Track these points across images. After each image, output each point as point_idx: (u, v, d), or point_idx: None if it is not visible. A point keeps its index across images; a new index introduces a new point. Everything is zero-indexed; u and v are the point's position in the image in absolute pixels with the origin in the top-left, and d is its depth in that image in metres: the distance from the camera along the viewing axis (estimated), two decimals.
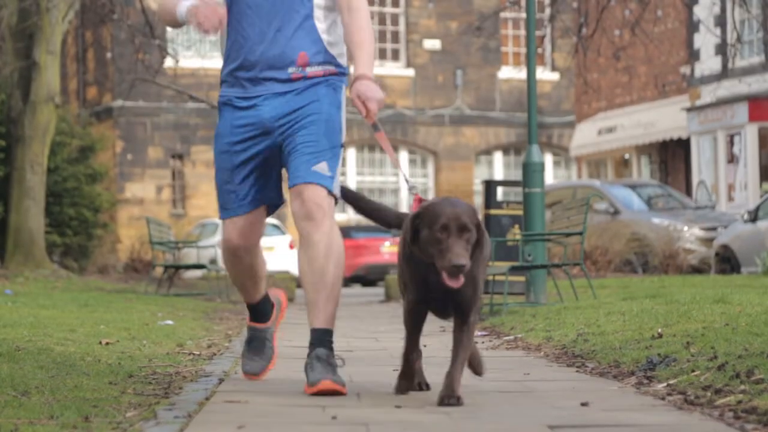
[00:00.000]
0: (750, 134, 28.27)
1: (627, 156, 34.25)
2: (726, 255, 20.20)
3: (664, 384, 5.15)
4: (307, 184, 5.07)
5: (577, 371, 6.06)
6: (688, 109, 30.20)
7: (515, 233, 13.23)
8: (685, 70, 31.29)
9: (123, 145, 35.24)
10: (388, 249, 30.92)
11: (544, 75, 38.36)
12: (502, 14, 35.19)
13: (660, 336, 6.74)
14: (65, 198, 23.65)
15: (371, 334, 9.55)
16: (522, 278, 12.47)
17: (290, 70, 5.16)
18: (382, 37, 37.84)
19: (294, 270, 24.82)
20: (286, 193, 5.31)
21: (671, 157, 32.57)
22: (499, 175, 38.85)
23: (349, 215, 37.63)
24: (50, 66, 20.09)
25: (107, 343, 7.25)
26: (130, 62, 23.89)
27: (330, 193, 5.11)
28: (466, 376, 4.79)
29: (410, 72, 38.25)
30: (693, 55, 30.64)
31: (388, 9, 38.10)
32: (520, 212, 12.72)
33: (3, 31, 19.99)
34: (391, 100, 37.74)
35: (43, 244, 20.32)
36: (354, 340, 8.57)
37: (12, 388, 4.85)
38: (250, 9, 5.17)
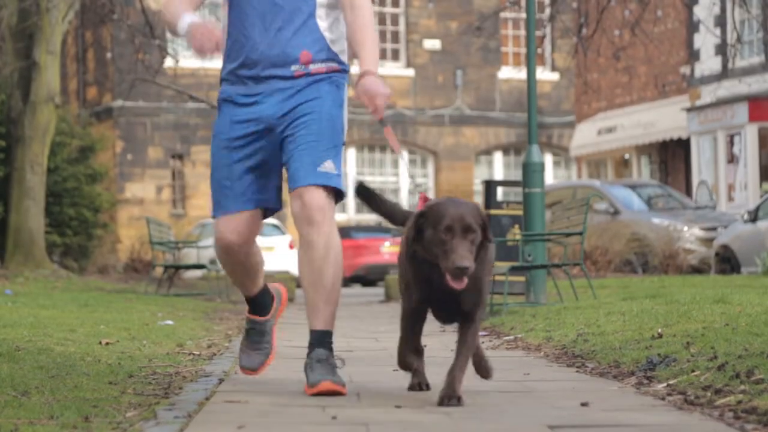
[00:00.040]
0: (750, 134, 28.27)
1: (627, 156, 34.25)
2: (726, 255, 20.20)
3: (664, 384, 5.15)
4: (308, 187, 5.04)
5: (577, 371, 6.06)
6: (688, 109, 30.20)
7: (515, 233, 13.23)
8: (685, 70, 31.30)
9: (123, 145, 35.24)
10: (388, 249, 30.91)
11: (544, 75, 38.36)
12: (502, 14, 35.19)
13: (660, 336, 6.74)
14: (65, 198, 23.65)
15: (371, 334, 9.55)
16: (522, 278, 12.47)
17: (293, 67, 5.14)
18: (382, 37, 37.84)
19: (294, 270, 24.82)
20: (285, 195, 5.29)
21: (671, 157, 32.57)
22: (499, 175, 38.85)
23: (349, 215, 37.65)
24: (50, 66, 20.09)
25: (107, 343, 7.25)
26: (130, 62, 23.88)
27: (337, 191, 5.09)
28: (467, 376, 4.78)
29: (410, 72, 38.26)
30: (693, 55, 30.64)
31: (388, 9, 38.10)
32: (520, 212, 12.72)
33: (3, 31, 19.99)
34: (391, 100, 37.59)
35: (43, 244, 20.32)
36: (354, 340, 8.57)
37: (12, 388, 4.85)
38: (252, 7, 5.15)
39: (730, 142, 28.93)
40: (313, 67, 5.15)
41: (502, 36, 39.26)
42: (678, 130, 31.05)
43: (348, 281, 29.81)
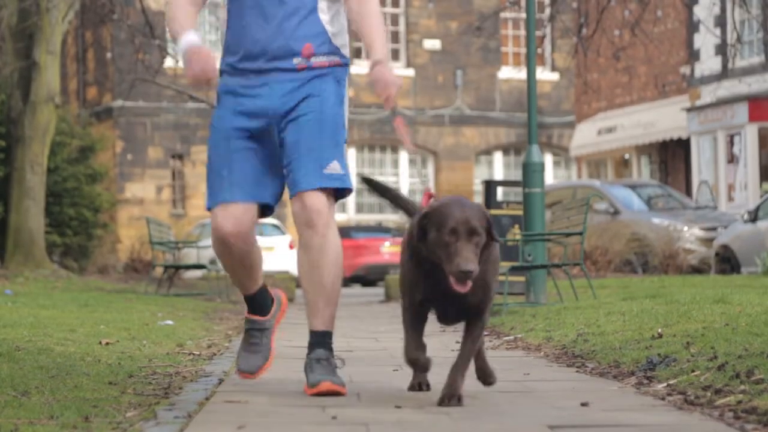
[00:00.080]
0: (750, 134, 28.27)
1: (627, 156, 34.26)
2: (726, 255, 20.20)
3: (664, 384, 5.15)
4: (308, 191, 5.02)
5: (577, 371, 6.06)
6: (688, 109, 30.21)
7: (515, 233, 13.23)
8: (685, 70, 31.30)
9: (123, 145, 35.25)
10: (388, 249, 30.91)
11: (544, 75, 38.37)
12: (502, 14, 35.19)
13: (660, 336, 6.74)
14: (65, 198, 23.65)
15: (371, 334, 9.54)
16: (522, 278, 12.47)
17: (295, 60, 5.09)
18: None
19: (294, 270, 24.81)
20: (285, 195, 5.26)
21: (671, 157, 32.58)
22: (499, 175, 38.86)
23: (349, 215, 37.66)
24: (50, 66, 20.09)
25: (107, 343, 7.25)
26: (130, 62, 23.88)
27: (339, 190, 5.07)
28: (468, 374, 4.77)
29: (410, 72, 38.26)
30: (693, 55, 30.64)
31: (388, 9, 38.10)
32: (520, 212, 12.73)
33: (3, 31, 19.99)
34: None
35: (43, 244, 20.32)
36: (354, 340, 8.57)
37: (12, 388, 4.85)
38: (253, 0, 5.11)
39: (730, 142, 28.94)
40: (315, 61, 5.10)
41: (502, 36, 39.27)
42: (678, 130, 31.05)
43: (348, 281, 29.81)
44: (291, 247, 29.10)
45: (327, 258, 5.05)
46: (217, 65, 5.13)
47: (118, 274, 23.30)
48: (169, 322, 9.89)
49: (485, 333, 8.97)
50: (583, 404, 4.58)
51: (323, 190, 5.04)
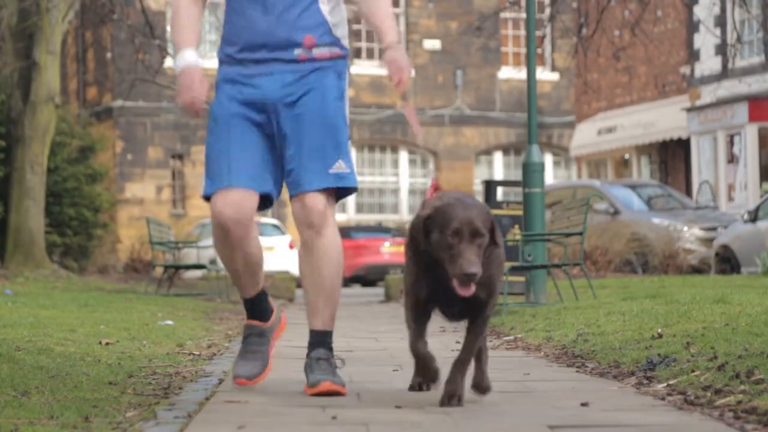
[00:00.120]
0: (750, 134, 28.27)
1: (627, 156, 34.26)
2: (726, 255, 20.20)
3: (664, 384, 5.15)
4: (308, 193, 4.99)
5: (577, 371, 6.06)
6: (688, 109, 30.21)
7: (515, 233, 13.23)
8: (685, 70, 31.30)
9: (123, 145, 35.26)
10: (388, 249, 30.91)
11: (544, 75, 38.38)
12: (502, 14, 35.20)
13: (660, 336, 6.74)
14: (65, 198, 23.66)
15: (371, 334, 9.54)
16: (522, 278, 12.47)
17: (296, 51, 5.05)
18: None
19: (294, 270, 24.82)
20: (285, 195, 5.23)
21: (671, 157, 32.58)
22: (499, 175, 38.87)
23: (349, 215, 37.66)
24: (50, 66, 20.10)
25: (107, 343, 7.25)
26: (130, 62, 23.89)
27: (350, 188, 5.05)
28: (468, 374, 4.77)
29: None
30: (693, 55, 30.64)
31: None
32: (520, 212, 12.73)
33: (3, 31, 20.00)
34: (392, 100, 37.73)
35: (43, 244, 20.33)
36: (354, 340, 8.57)
37: (12, 388, 4.85)
38: None
39: (730, 142, 28.94)
40: (316, 52, 5.06)
41: (502, 36, 39.27)
42: (678, 130, 31.06)
43: (348, 281, 29.82)
44: (291, 247, 29.10)
45: (327, 258, 5.04)
46: (205, 94, 5.09)
47: (118, 274, 23.30)
48: (169, 322, 9.89)
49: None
50: (583, 404, 4.58)
51: (324, 189, 5.02)
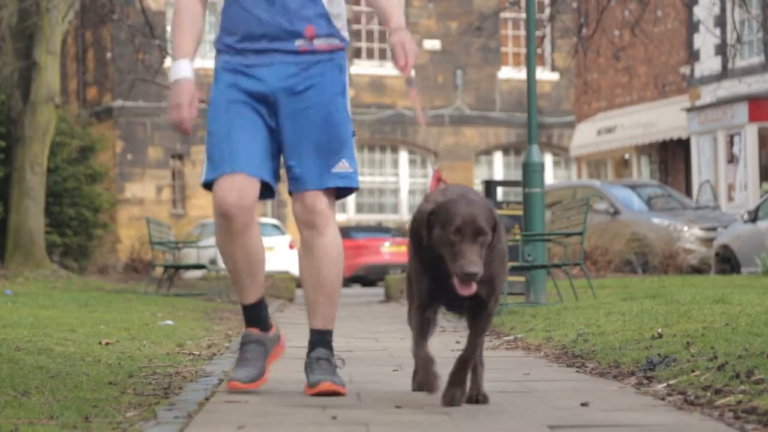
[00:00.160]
0: (750, 134, 28.28)
1: (627, 156, 34.26)
2: (726, 255, 20.21)
3: (664, 384, 5.15)
4: (310, 191, 4.98)
5: (577, 371, 6.06)
6: (688, 109, 30.21)
7: (515, 233, 13.23)
8: (685, 70, 31.30)
9: (123, 145, 35.26)
10: (388, 249, 30.91)
11: (544, 75, 38.38)
12: (502, 14, 35.22)
13: (660, 336, 6.74)
14: (65, 198, 23.66)
15: (371, 334, 9.54)
16: (522, 278, 12.48)
17: (297, 42, 5.01)
18: (382, 36, 37.85)
19: (294, 270, 24.82)
20: (285, 195, 5.19)
21: (671, 157, 32.58)
22: (499, 175, 38.87)
23: (349, 215, 37.65)
24: (50, 66, 20.10)
25: (107, 343, 7.25)
26: (130, 62, 23.88)
27: (352, 188, 5.02)
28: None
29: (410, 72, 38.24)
30: (693, 56, 30.65)
31: None
32: (520, 212, 12.73)
33: (3, 31, 20.00)
34: (392, 100, 37.74)
35: (43, 244, 20.33)
36: (354, 340, 8.57)
37: (12, 388, 4.84)
38: None
39: (730, 142, 28.94)
40: (317, 43, 5.02)
41: (502, 36, 39.28)
42: (678, 130, 31.06)
43: (348, 281, 29.81)
44: (291, 247, 29.10)
45: (328, 257, 5.03)
46: (195, 113, 5.05)
47: (118, 274, 23.30)
48: (169, 322, 9.89)
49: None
50: (583, 404, 4.58)
51: (325, 189, 5.01)
